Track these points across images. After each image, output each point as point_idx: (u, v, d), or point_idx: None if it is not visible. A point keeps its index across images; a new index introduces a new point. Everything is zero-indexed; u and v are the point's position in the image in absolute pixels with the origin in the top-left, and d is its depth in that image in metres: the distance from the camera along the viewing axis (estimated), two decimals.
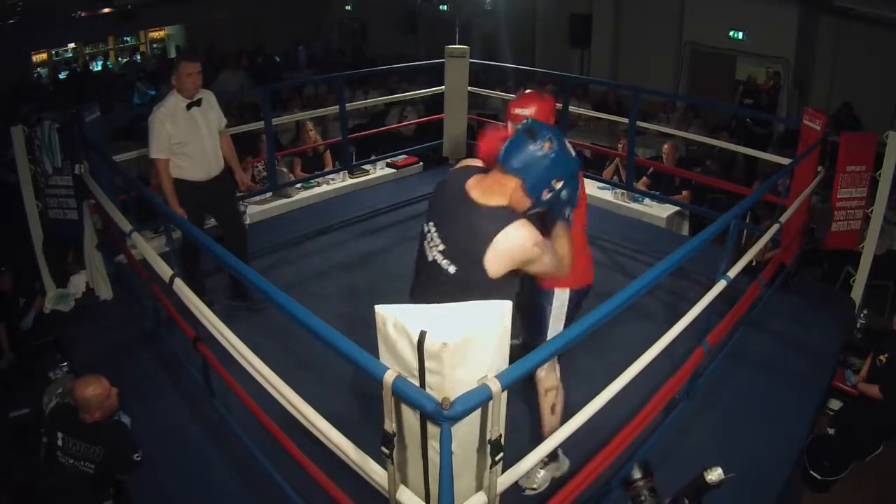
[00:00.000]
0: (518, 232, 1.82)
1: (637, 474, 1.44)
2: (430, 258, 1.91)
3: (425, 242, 1.95)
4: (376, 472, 1.61)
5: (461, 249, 1.84)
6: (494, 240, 1.79)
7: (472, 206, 1.86)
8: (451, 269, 1.85)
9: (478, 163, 2.07)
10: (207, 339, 2.63)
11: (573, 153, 1.93)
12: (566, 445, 1.86)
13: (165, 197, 3.54)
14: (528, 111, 2.45)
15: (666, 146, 5.91)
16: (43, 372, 3.43)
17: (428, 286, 1.95)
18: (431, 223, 1.95)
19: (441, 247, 1.88)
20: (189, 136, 3.52)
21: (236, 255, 4.01)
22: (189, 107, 3.52)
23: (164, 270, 2.66)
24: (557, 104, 4.22)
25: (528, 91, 2.67)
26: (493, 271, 1.80)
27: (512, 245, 1.80)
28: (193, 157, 3.57)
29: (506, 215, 1.83)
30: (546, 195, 1.86)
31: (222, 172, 3.77)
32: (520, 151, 1.84)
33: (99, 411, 2.64)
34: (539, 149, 1.83)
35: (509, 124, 2.48)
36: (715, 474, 1.48)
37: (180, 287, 2.55)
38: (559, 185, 1.87)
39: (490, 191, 1.87)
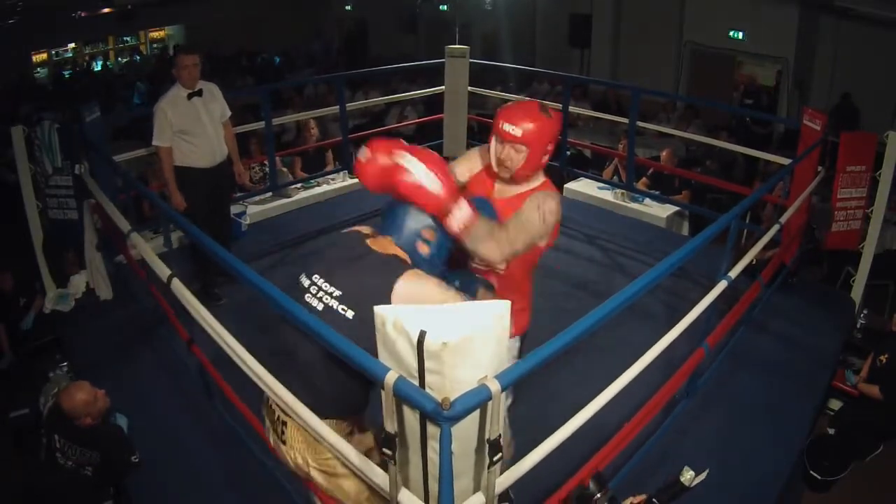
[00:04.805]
0: (411, 283, 1.67)
1: (593, 488, 1.45)
2: (320, 308, 1.74)
3: (307, 296, 1.76)
4: (377, 475, 1.61)
5: (362, 295, 1.67)
6: (394, 289, 1.65)
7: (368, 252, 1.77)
8: (350, 314, 1.70)
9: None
10: (202, 341, 2.62)
11: None
12: (566, 445, 1.85)
13: (166, 183, 3.70)
14: (519, 131, 1.96)
15: (664, 153, 5.90)
16: (43, 372, 3.43)
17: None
18: (315, 275, 1.79)
19: (337, 293, 1.73)
20: (191, 124, 3.67)
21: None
22: (190, 97, 3.66)
23: (163, 270, 2.66)
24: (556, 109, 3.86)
25: (527, 101, 2.15)
26: None
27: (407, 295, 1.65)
28: (197, 144, 3.71)
29: (400, 265, 1.72)
30: (423, 249, 1.79)
31: (225, 161, 3.92)
32: (385, 214, 1.79)
33: (89, 417, 2.63)
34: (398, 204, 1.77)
35: (493, 140, 2.05)
36: (688, 475, 1.48)
37: (178, 287, 2.55)
38: (432, 235, 1.79)
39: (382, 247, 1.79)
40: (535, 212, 1.94)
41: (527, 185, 2.10)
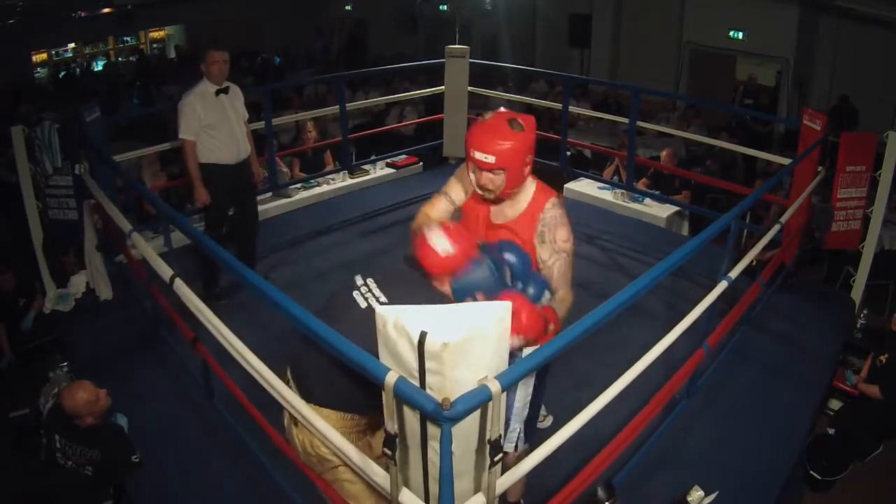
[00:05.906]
0: None
1: (602, 496, 1.45)
2: (364, 305, 1.81)
3: (356, 293, 1.84)
4: (378, 475, 1.61)
5: None
6: None
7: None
8: None
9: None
10: (206, 340, 2.62)
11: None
12: (566, 446, 1.85)
13: (191, 179, 3.72)
14: (493, 157, 1.89)
15: (664, 154, 5.89)
16: (43, 372, 3.43)
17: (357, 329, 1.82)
18: (370, 279, 1.87)
19: (383, 299, 1.81)
20: (218, 120, 3.69)
21: (245, 244, 4.08)
22: (217, 93, 3.69)
23: (165, 270, 2.66)
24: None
25: (496, 118, 1.96)
26: None
27: None
28: (223, 139, 3.74)
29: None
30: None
31: (247, 159, 3.95)
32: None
33: (90, 416, 2.63)
34: None
35: (469, 166, 2.00)
36: (696, 495, 1.48)
37: (180, 287, 2.55)
38: (483, 297, 1.78)
39: None
40: (555, 255, 2.01)
41: (519, 201, 2.08)
